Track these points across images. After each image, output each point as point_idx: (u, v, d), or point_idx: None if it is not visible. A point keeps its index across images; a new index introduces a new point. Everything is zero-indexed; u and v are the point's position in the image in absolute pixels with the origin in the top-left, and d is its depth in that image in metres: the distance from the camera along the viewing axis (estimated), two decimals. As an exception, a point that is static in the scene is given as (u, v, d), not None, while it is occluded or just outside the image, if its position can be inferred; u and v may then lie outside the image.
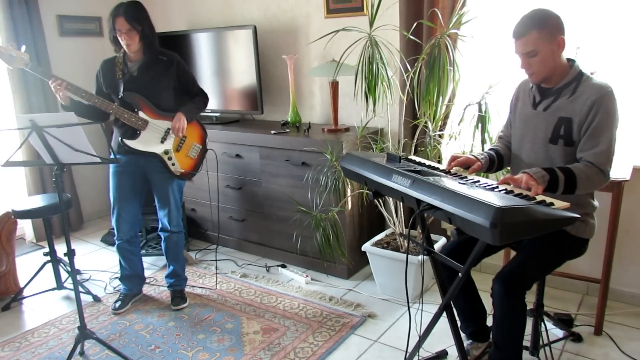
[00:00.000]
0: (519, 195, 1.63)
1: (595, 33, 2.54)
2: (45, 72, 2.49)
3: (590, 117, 1.80)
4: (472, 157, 2.00)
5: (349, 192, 2.95)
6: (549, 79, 1.90)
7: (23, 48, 2.38)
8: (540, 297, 2.17)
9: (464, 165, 1.98)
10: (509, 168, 2.29)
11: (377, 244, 2.99)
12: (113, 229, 2.86)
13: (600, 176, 1.80)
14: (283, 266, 3.35)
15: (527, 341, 2.02)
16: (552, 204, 1.56)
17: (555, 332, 2.49)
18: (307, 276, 3.17)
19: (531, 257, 1.89)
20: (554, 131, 1.90)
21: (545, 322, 2.27)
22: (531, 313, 2.15)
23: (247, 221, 3.58)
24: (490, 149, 2.15)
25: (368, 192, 2.04)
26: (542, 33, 1.78)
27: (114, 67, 2.64)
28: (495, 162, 2.09)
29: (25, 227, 4.01)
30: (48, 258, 3.06)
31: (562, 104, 1.88)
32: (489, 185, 1.72)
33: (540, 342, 2.18)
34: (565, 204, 1.56)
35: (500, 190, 1.67)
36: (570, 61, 1.90)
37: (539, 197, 1.61)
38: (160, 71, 2.66)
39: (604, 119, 1.79)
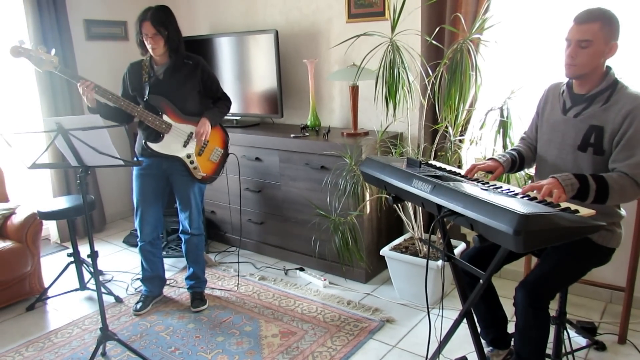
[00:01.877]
0: (542, 202, 1.61)
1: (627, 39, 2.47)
2: (73, 75, 2.54)
3: (624, 127, 1.75)
4: (494, 163, 1.98)
5: (367, 196, 2.95)
6: (585, 78, 1.84)
7: (53, 51, 2.44)
8: (563, 304, 2.14)
9: (486, 172, 1.96)
10: (528, 172, 2.26)
11: (395, 249, 2.99)
12: (136, 230, 2.91)
13: (635, 188, 1.73)
14: (301, 269, 3.36)
15: (549, 349, 1.99)
16: (577, 211, 1.53)
17: (578, 340, 2.45)
18: (325, 280, 3.18)
19: (556, 266, 1.86)
20: (583, 139, 1.85)
21: (568, 330, 2.24)
22: (554, 321, 2.12)
23: (266, 224, 3.60)
24: (512, 149, 2.12)
25: (387, 196, 2.04)
26: (604, 28, 1.73)
27: (141, 70, 2.68)
28: (516, 163, 2.07)
29: (50, 228, 4.09)
30: (72, 259, 3.12)
31: (594, 112, 1.83)
32: (511, 191, 1.71)
33: (563, 350, 2.15)
34: (591, 212, 1.53)
35: (523, 197, 1.65)
36: (607, 68, 1.84)
37: (564, 204, 1.58)
38: (186, 75, 2.69)
39: (639, 129, 1.73)
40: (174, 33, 2.61)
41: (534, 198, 1.65)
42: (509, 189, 1.74)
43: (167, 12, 2.61)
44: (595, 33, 1.74)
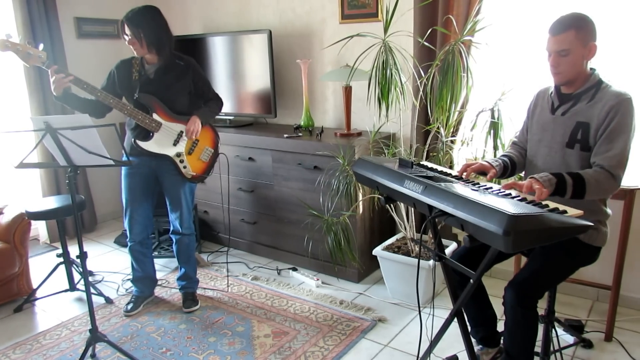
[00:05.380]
0: (531, 202, 1.63)
1: (609, 41, 2.51)
2: (61, 70, 2.48)
3: (606, 122, 1.80)
4: (487, 164, 2.00)
5: (360, 197, 2.96)
6: (572, 82, 1.90)
7: (41, 46, 2.40)
8: (551, 303, 2.16)
9: (478, 172, 1.98)
10: (521, 175, 2.29)
11: (387, 249, 3.00)
12: (126, 230, 2.90)
13: (611, 181, 1.78)
14: (294, 269, 3.37)
15: (537, 347, 2.02)
16: (565, 211, 1.56)
17: (566, 338, 2.49)
18: (317, 279, 3.18)
19: (544, 266, 1.88)
20: (571, 135, 1.90)
21: (556, 328, 2.26)
22: (542, 319, 2.14)
23: (258, 224, 3.60)
24: (504, 155, 2.14)
25: (380, 197, 2.05)
26: (579, 34, 1.79)
27: (131, 68, 2.66)
28: (508, 168, 2.09)
29: (39, 228, 4.06)
30: (61, 259, 3.09)
31: (580, 109, 1.89)
32: (501, 192, 1.73)
33: (551, 348, 2.17)
34: (579, 212, 1.56)
35: (513, 197, 1.67)
36: (591, 69, 1.90)
37: (552, 205, 1.60)
38: (177, 75, 2.68)
39: (620, 124, 1.79)
40: (152, 35, 2.54)
41: (524, 199, 1.67)
42: (499, 190, 1.76)
43: (146, 13, 2.55)
44: (572, 41, 1.80)
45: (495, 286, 2.68)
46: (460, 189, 1.65)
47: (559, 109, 1.96)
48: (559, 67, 1.85)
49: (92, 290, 3.00)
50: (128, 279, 3.24)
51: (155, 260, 3.09)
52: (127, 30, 2.52)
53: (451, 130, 2.77)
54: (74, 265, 3.13)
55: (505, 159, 2.11)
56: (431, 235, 2.90)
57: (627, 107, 1.79)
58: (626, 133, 1.80)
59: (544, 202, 1.62)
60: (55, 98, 2.54)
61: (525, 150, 2.15)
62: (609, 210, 1.99)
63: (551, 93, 2.01)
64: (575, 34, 1.79)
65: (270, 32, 3.47)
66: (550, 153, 1.97)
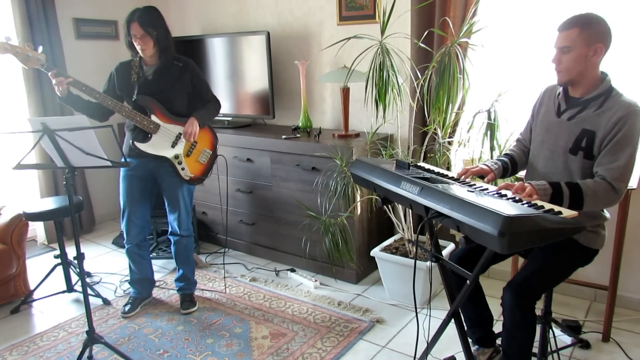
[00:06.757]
0: (527, 203, 1.63)
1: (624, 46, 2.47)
2: (61, 73, 2.50)
3: (613, 133, 1.78)
4: (486, 167, 2.00)
5: (358, 198, 2.96)
6: (575, 83, 1.88)
7: (40, 49, 2.41)
8: (548, 304, 2.17)
9: (477, 176, 1.98)
10: (517, 176, 2.29)
11: (385, 250, 3.01)
12: (123, 232, 2.90)
13: (611, 193, 1.76)
14: (292, 270, 3.37)
15: (535, 348, 2.02)
16: (560, 212, 1.56)
17: (563, 338, 2.49)
18: (316, 280, 3.19)
19: (542, 267, 1.88)
20: (575, 142, 1.88)
21: (554, 328, 2.27)
22: (539, 320, 2.15)
23: (257, 225, 3.60)
24: (505, 155, 2.14)
25: (377, 198, 2.06)
26: (583, 33, 1.77)
27: (129, 70, 2.67)
28: (509, 169, 2.09)
29: (37, 229, 4.06)
30: (59, 260, 3.09)
31: (587, 116, 1.86)
32: (497, 193, 1.73)
33: (549, 349, 2.18)
34: (574, 213, 1.56)
35: (508, 199, 1.67)
36: (603, 74, 1.87)
37: (548, 206, 1.61)
38: (176, 76, 2.68)
39: (626, 136, 1.76)
40: (162, 33, 2.60)
41: (520, 200, 1.67)
42: (495, 191, 1.76)
43: (154, 13, 2.60)
44: (574, 39, 1.79)
45: (493, 287, 2.68)
46: (456, 190, 1.65)
47: (565, 113, 1.93)
48: (560, 65, 1.84)
49: (90, 292, 3.01)
50: (126, 280, 3.24)
51: (154, 262, 3.09)
52: (137, 30, 2.52)
53: (448, 131, 2.78)
54: (71, 267, 3.12)
55: (505, 159, 2.10)
56: (428, 237, 2.91)
57: (635, 120, 1.76)
58: (632, 146, 1.78)
59: (539, 204, 1.63)
60: (59, 99, 2.56)
61: (528, 148, 2.14)
62: (607, 214, 1.98)
63: (558, 94, 1.99)
64: (579, 32, 1.77)
65: (269, 33, 3.48)
66: (552, 157, 1.96)
